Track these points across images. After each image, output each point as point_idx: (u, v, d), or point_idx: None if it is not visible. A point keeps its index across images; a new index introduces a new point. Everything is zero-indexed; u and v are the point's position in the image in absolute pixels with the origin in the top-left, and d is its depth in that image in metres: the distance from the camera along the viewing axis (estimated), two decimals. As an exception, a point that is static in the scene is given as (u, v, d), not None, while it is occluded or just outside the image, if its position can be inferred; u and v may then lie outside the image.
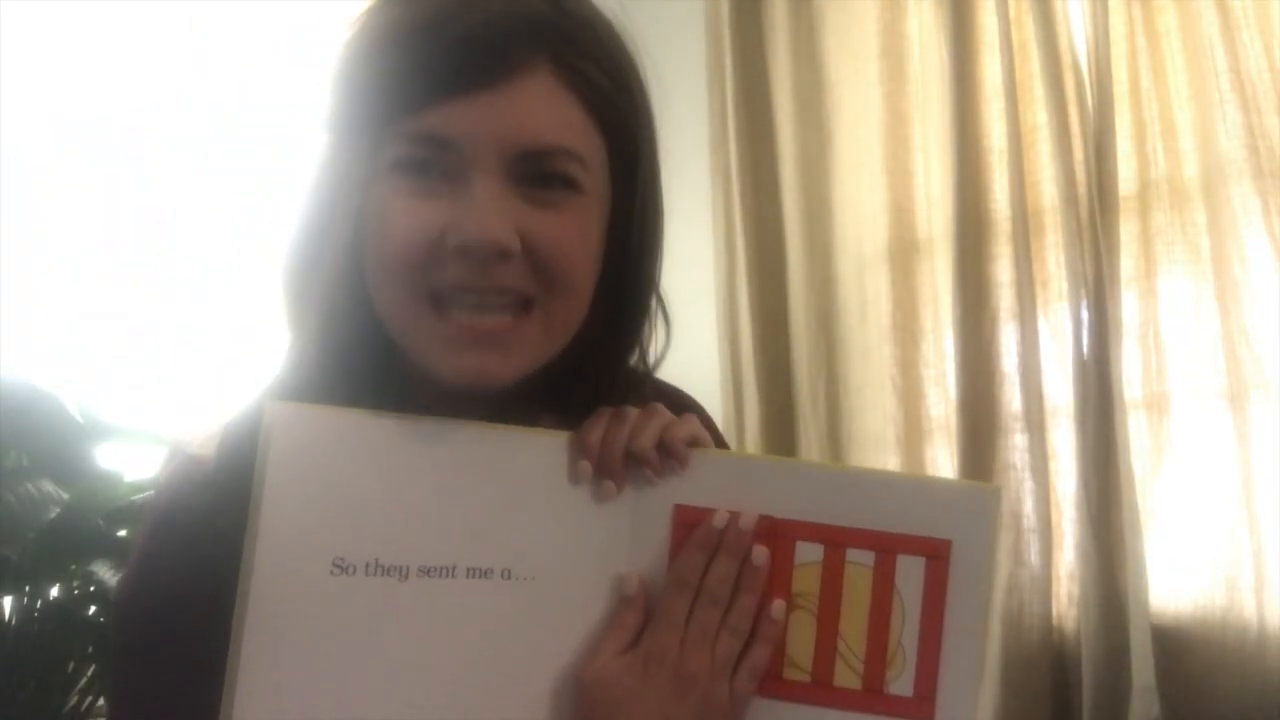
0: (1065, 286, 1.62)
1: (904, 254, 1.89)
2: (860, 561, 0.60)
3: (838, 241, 1.97)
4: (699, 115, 2.14)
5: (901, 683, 0.59)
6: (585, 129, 0.59)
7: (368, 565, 0.55)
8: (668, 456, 0.61)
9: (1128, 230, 1.58)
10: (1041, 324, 1.65)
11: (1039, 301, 1.66)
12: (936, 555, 0.60)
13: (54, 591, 1.57)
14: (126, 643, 0.60)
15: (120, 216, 1.83)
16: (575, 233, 0.59)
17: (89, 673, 1.41)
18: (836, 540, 0.60)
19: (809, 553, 0.60)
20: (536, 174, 0.58)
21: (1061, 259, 1.63)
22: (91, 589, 1.54)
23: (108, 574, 1.44)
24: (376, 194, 0.57)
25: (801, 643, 0.60)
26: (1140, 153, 1.59)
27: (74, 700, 1.45)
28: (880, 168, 1.91)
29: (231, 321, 1.85)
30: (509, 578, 0.58)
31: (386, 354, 0.61)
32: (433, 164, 0.56)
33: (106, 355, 1.78)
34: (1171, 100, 1.57)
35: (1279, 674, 1.36)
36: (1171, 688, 1.46)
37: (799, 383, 1.99)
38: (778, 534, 0.60)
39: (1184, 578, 1.48)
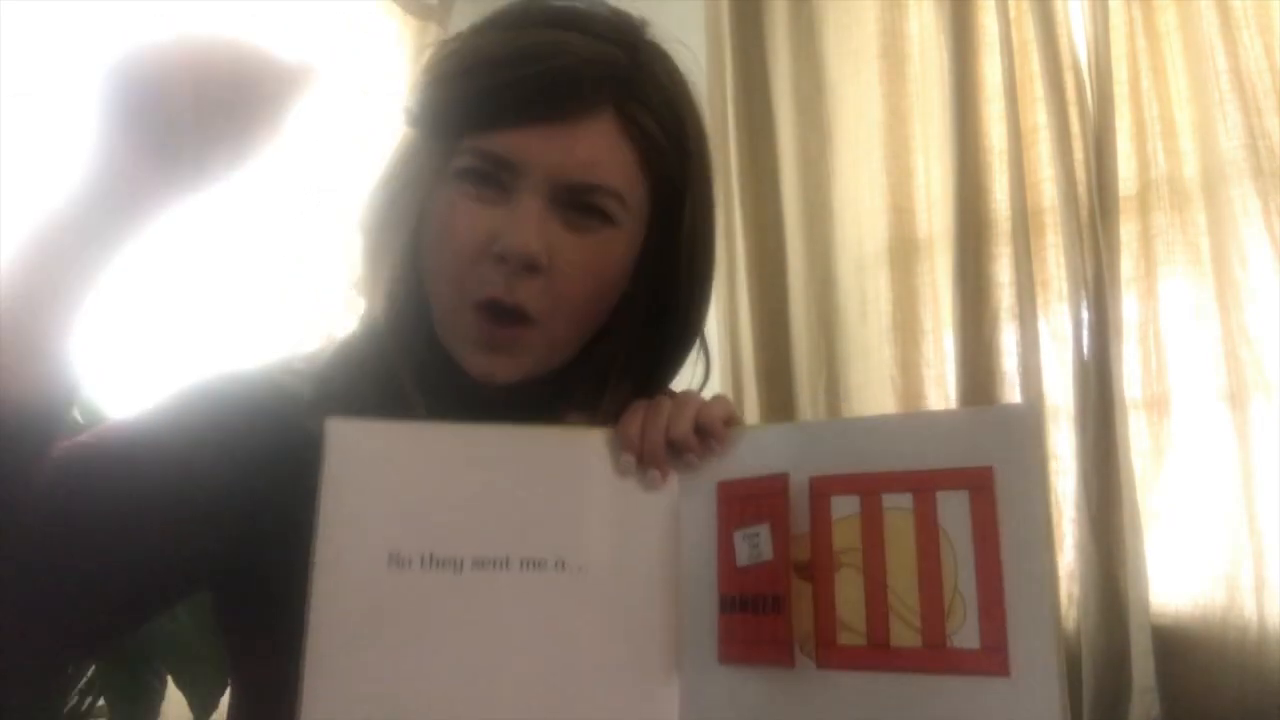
0: (1065, 286, 1.62)
1: (904, 254, 1.89)
2: (899, 506, 0.56)
3: (838, 241, 1.97)
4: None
5: (965, 634, 0.53)
6: (632, 173, 0.67)
7: (423, 559, 0.58)
8: (707, 438, 0.62)
9: (1128, 230, 1.58)
10: (1041, 324, 1.65)
11: (1039, 301, 1.66)
12: (979, 486, 0.54)
13: (54, 591, 1.57)
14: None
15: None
16: (596, 260, 0.66)
17: (89, 673, 1.41)
18: (870, 487, 0.57)
19: (845, 506, 0.57)
20: (577, 204, 0.65)
21: (1061, 259, 1.63)
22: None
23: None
24: (442, 194, 0.66)
25: (852, 603, 0.56)
26: (1140, 153, 1.59)
27: (74, 700, 1.45)
28: (880, 168, 1.91)
29: (234, 320, 1.85)
30: (562, 568, 0.60)
31: (433, 336, 0.69)
32: (491, 178, 0.64)
33: (107, 355, 1.78)
34: (1171, 100, 1.57)
35: (1279, 674, 1.37)
36: (1171, 688, 1.46)
37: (799, 383, 1.99)
38: (811, 494, 0.58)
39: (1184, 578, 1.49)
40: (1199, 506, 1.47)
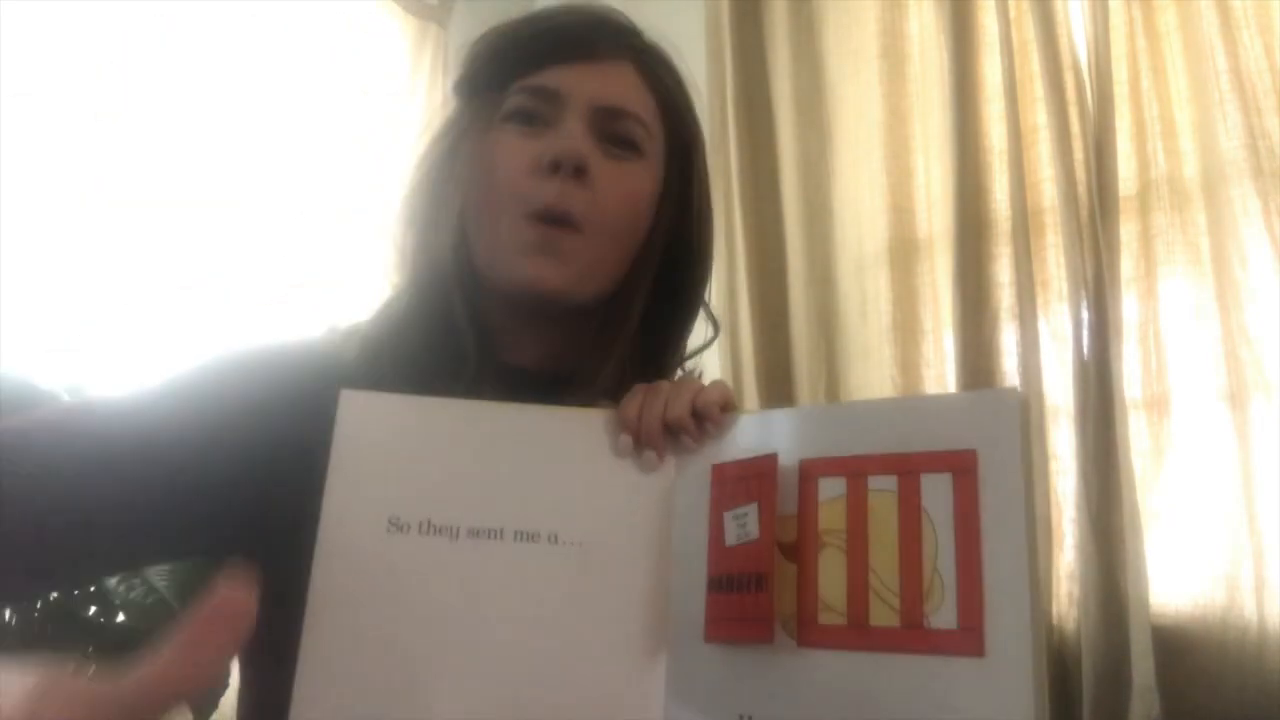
0: (1065, 286, 1.62)
1: (904, 254, 1.89)
2: (884, 488, 0.57)
3: (838, 241, 1.97)
4: (699, 115, 2.14)
5: (943, 615, 0.53)
6: (654, 114, 0.76)
7: (421, 524, 0.61)
8: (703, 422, 0.64)
9: (1128, 230, 1.59)
10: (1041, 324, 1.65)
11: (1039, 301, 1.66)
12: (962, 469, 0.55)
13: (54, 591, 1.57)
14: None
15: (122, 214, 1.83)
16: (630, 186, 0.74)
17: (89, 673, 1.41)
18: (857, 469, 0.58)
19: (832, 488, 0.58)
20: (611, 132, 0.73)
21: (1061, 259, 1.63)
22: (92, 589, 1.54)
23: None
24: (491, 139, 0.73)
25: (834, 583, 0.57)
26: (1140, 153, 1.59)
27: (74, 700, 1.45)
28: (880, 168, 1.91)
29: (232, 320, 1.85)
30: (556, 542, 0.62)
31: (475, 298, 0.73)
32: (537, 114, 0.73)
33: (106, 355, 1.78)
34: (1171, 100, 1.57)
35: (1279, 674, 1.37)
36: (1171, 688, 1.46)
37: (799, 382, 1.99)
38: (801, 476, 0.59)
39: (1184, 578, 1.49)
40: (1199, 506, 1.48)
